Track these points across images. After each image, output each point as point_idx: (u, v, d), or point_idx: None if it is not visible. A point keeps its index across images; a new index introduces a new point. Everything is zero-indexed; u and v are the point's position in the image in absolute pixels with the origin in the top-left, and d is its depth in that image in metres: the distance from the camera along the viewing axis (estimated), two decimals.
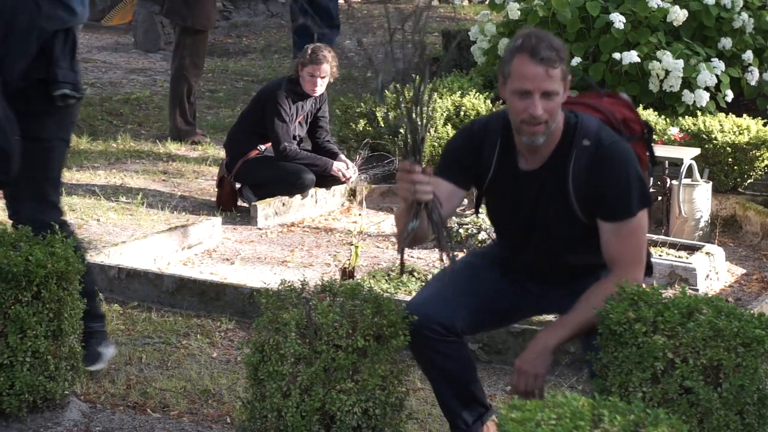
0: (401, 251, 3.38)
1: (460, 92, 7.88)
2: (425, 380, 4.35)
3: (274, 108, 6.82)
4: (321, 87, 6.87)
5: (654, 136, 4.02)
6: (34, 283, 3.52)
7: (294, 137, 6.93)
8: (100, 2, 13.91)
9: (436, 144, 7.43)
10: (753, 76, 8.36)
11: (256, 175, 6.92)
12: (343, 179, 7.08)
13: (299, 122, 6.97)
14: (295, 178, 6.86)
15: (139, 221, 6.40)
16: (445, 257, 3.14)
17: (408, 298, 5.10)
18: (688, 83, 8.00)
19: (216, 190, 7.05)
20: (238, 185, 6.97)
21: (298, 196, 6.95)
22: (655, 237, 6.18)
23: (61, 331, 3.63)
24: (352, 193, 7.34)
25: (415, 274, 5.72)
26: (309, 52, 6.80)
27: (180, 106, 8.59)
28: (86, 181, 7.29)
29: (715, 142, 7.21)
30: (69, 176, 7.35)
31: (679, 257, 6.02)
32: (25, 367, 3.54)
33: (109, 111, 9.65)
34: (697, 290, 5.65)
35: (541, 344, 3.30)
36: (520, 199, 3.39)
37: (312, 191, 7.02)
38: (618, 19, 8.03)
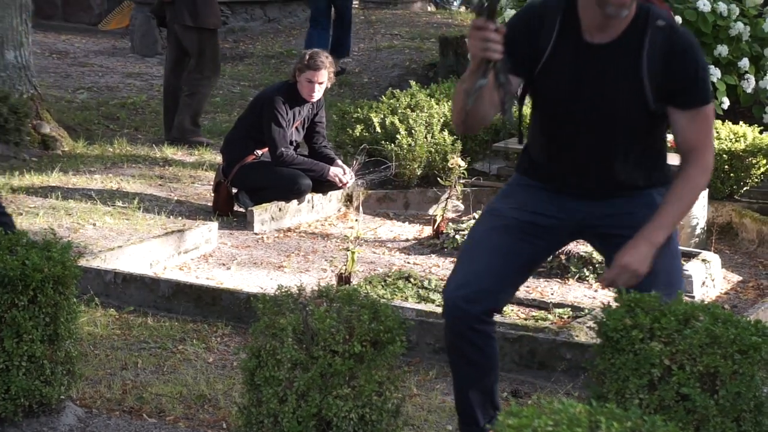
0: (465, 110, 3.19)
1: None
2: (422, 386, 4.36)
3: (271, 113, 6.81)
4: (318, 93, 6.87)
5: None
6: (31, 288, 3.51)
7: (291, 142, 6.93)
8: (97, 7, 13.94)
9: (432, 150, 7.44)
10: (749, 84, 8.37)
11: (252, 180, 6.91)
12: (340, 185, 7.07)
13: (296, 127, 6.97)
14: (292, 183, 6.86)
15: (135, 226, 6.39)
16: (507, 119, 3.09)
17: (404, 305, 5.13)
18: None
19: (212, 195, 7.04)
20: (234, 190, 6.96)
21: (294, 202, 6.95)
22: None
23: (57, 336, 3.62)
24: (349, 199, 7.34)
25: (411, 279, 5.72)
26: (307, 57, 6.80)
27: (196, 107, 8.61)
28: (82, 185, 7.29)
29: None
30: (65, 180, 7.35)
31: None
32: (21, 372, 3.53)
33: (105, 115, 9.66)
34: (693, 297, 5.65)
35: (648, 244, 3.26)
36: (584, 72, 3.29)
37: (309, 196, 7.02)
38: None
